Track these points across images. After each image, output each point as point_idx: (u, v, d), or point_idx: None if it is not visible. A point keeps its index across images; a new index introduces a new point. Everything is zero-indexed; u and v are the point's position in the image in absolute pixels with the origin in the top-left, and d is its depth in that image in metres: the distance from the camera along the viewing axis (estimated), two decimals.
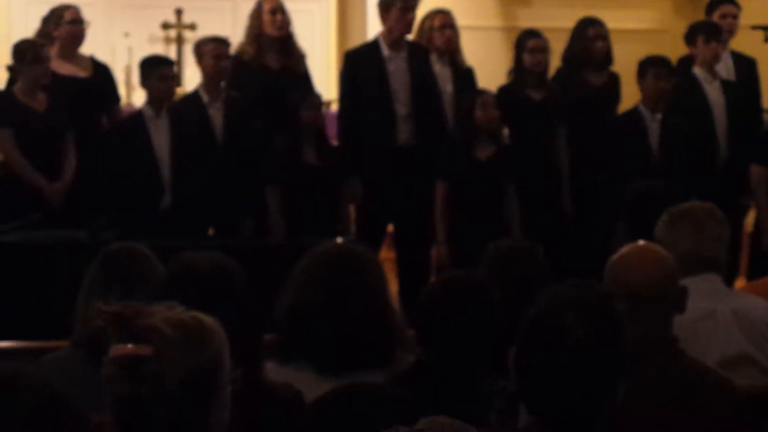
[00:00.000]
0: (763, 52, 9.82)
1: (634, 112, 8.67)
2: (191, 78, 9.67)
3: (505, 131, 8.63)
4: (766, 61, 9.68)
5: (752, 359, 4.51)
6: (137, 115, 8.34)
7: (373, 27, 10.12)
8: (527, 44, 8.81)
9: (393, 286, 7.68)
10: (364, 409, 2.57)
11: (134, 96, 10.77)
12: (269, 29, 8.63)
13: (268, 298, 4.12)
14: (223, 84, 8.44)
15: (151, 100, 8.21)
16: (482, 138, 8.25)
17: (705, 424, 3.71)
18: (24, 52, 8.04)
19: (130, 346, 2.55)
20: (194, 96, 8.52)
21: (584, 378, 2.82)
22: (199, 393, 2.60)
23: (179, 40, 12.12)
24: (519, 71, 8.84)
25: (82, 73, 8.52)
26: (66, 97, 8.17)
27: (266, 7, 8.70)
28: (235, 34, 9.15)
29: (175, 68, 8.81)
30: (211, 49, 8.38)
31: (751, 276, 8.19)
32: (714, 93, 8.76)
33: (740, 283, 7.96)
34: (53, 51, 8.33)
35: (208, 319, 2.67)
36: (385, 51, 8.55)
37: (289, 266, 4.19)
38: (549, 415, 2.83)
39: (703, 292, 4.48)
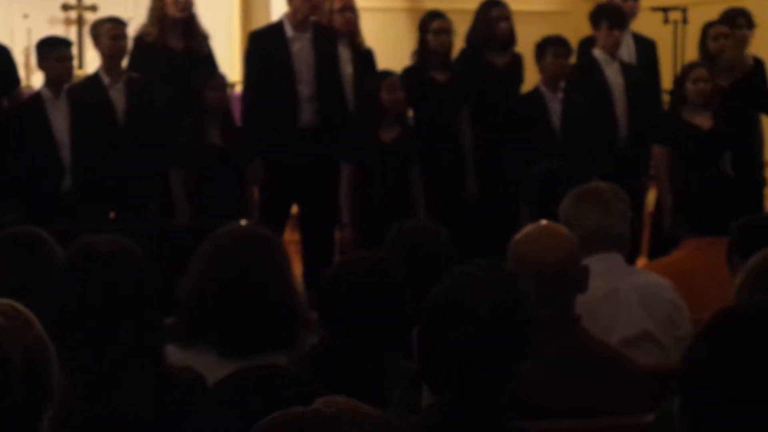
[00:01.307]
0: (663, 34, 9.93)
1: (535, 93, 8.76)
2: (93, 61, 9.57)
3: (410, 112, 8.62)
4: (665, 42, 9.78)
5: (653, 337, 4.55)
6: (35, 97, 8.28)
7: (277, 8, 10.08)
8: (431, 25, 8.81)
9: (297, 269, 7.66)
10: (265, 390, 2.54)
11: (33, 78, 10.64)
12: (172, 11, 8.56)
13: (173, 281, 4.09)
14: (124, 65, 8.39)
15: (49, 82, 8.14)
16: (387, 120, 8.24)
17: (606, 401, 3.74)
18: None
19: None
20: (94, 78, 8.46)
21: (487, 355, 2.82)
22: (40, 366, 2.59)
23: (80, 22, 12.05)
24: (423, 53, 8.84)
25: None
26: None
27: None
28: (137, 15, 9.12)
29: (75, 50, 8.73)
30: (108, 30, 8.32)
31: (652, 255, 8.27)
32: (613, 74, 8.84)
33: (641, 262, 8.03)
34: None
35: (13, 304, 2.66)
36: (290, 32, 8.53)
37: (193, 248, 4.17)
38: (451, 395, 2.82)
39: (605, 271, 4.51)
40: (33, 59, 8.91)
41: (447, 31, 8.79)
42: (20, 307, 2.64)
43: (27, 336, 2.59)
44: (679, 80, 8.67)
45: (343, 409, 1.46)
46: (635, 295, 4.60)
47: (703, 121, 8.47)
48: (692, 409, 2.22)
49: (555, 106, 8.64)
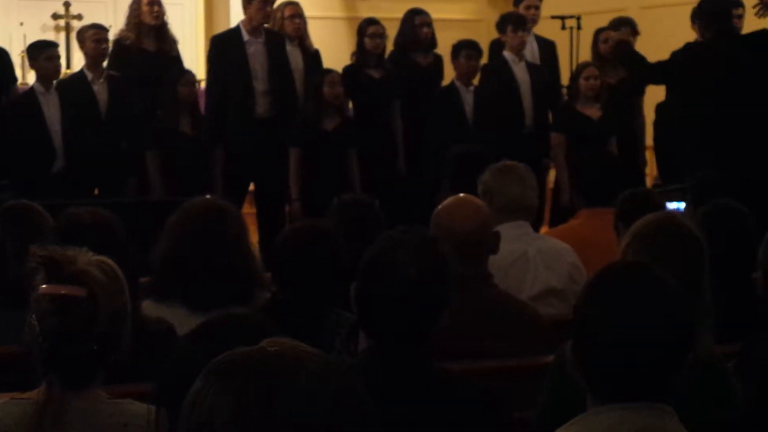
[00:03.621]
0: (561, 38, 9.95)
1: (451, 87, 8.78)
2: (79, 62, 9.50)
3: (349, 104, 8.61)
4: (562, 45, 9.80)
5: (555, 292, 4.56)
6: (29, 92, 8.25)
7: (236, 16, 10.03)
8: (367, 30, 8.80)
9: (254, 237, 7.63)
10: (231, 334, 2.48)
11: (29, 77, 10.54)
12: (147, 19, 8.59)
13: (148, 246, 4.06)
14: (104, 64, 8.37)
15: (41, 78, 8.13)
16: (329, 111, 8.22)
17: (514, 345, 3.73)
18: None
19: (64, 286, 2.51)
20: (80, 75, 8.46)
21: (414, 308, 2.80)
22: (118, 326, 2.59)
23: (67, 29, 12.08)
24: (361, 53, 8.82)
25: None
26: None
27: (144, 0, 8.62)
28: (116, 23, 9.09)
29: (63, 52, 8.70)
30: (92, 35, 8.35)
31: (552, 224, 8.30)
32: (520, 72, 8.85)
33: (543, 230, 8.05)
34: None
35: (114, 264, 2.66)
36: (246, 36, 8.48)
37: (165, 219, 4.14)
38: (383, 341, 2.81)
39: (515, 237, 4.52)
40: (27, 60, 8.83)
41: (381, 35, 8.78)
42: (119, 271, 2.63)
43: (119, 299, 2.59)
44: (574, 77, 8.70)
45: (286, 347, 1.44)
46: (541, 258, 4.61)
47: (593, 111, 8.52)
48: (580, 351, 2.22)
49: (468, 98, 8.68)
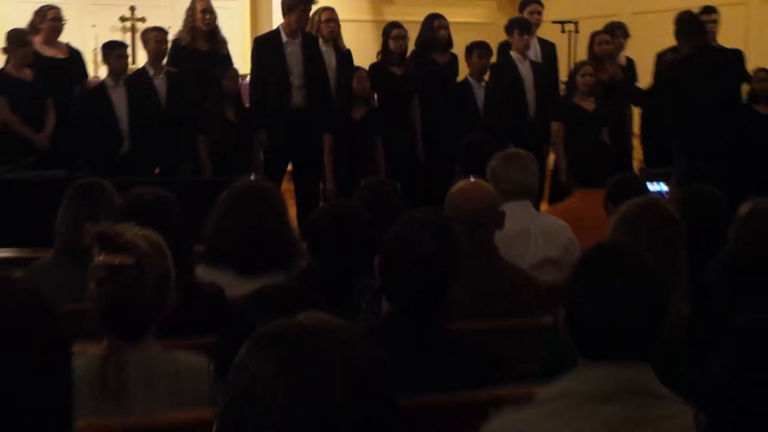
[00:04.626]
0: (560, 40, 9.90)
1: (465, 82, 8.76)
2: (142, 59, 9.51)
3: (375, 97, 8.60)
4: (562, 46, 9.76)
5: (553, 261, 4.56)
6: (101, 85, 8.27)
7: (278, 17, 10.03)
8: (391, 33, 8.76)
9: (292, 211, 7.64)
10: (281, 301, 2.48)
11: (101, 72, 10.57)
12: (200, 24, 8.59)
13: (201, 220, 4.09)
14: (164, 62, 8.36)
15: (111, 74, 8.14)
16: (358, 102, 8.20)
17: (516, 310, 3.75)
18: (13, 38, 7.95)
19: (116, 256, 2.55)
20: (142, 71, 8.43)
21: (429, 279, 2.82)
22: (163, 288, 2.62)
23: (133, 30, 12.13)
24: (385, 53, 8.79)
25: (60, 55, 8.41)
26: (48, 73, 8.05)
27: (198, 7, 8.64)
28: (175, 24, 9.05)
29: (128, 50, 8.67)
30: (154, 36, 8.32)
31: (551, 200, 8.30)
32: (525, 70, 8.81)
33: (544, 206, 8.04)
34: (39, 38, 8.25)
35: (158, 236, 2.70)
36: (285, 38, 8.46)
37: (215, 197, 4.18)
38: (403, 305, 2.84)
39: (519, 214, 4.50)
40: (100, 58, 8.85)
41: (403, 37, 8.74)
42: (162, 241, 2.66)
43: (162, 266, 2.63)
44: (572, 74, 8.66)
45: (320, 321, 1.46)
46: (541, 233, 4.61)
47: (588, 104, 8.48)
48: (570, 319, 2.24)
49: (480, 92, 8.67)
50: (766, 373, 1.27)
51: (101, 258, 2.56)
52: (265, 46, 8.57)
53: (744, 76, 8.18)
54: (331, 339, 1.42)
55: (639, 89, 8.85)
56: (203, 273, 3.79)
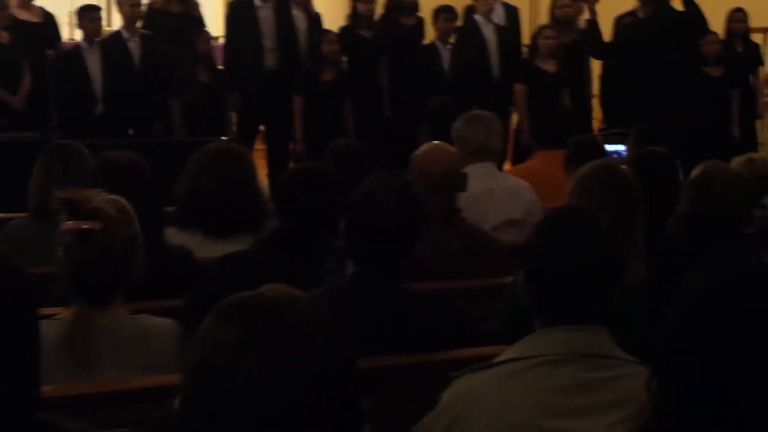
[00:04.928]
0: (523, 3, 9.83)
1: (431, 45, 8.71)
2: (117, 21, 9.42)
3: (344, 59, 8.54)
4: (524, 10, 9.69)
5: (515, 222, 4.53)
6: (76, 48, 8.21)
7: None
8: None
9: (263, 170, 7.62)
10: (249, 266, 2.42)
11: (76, 34, 10.45)
12: None
13: (173, 181, 4.04)
14: (138, 24, 8.26)
15: (86, 37, 8.08)
16: (327, 64, 8.15)
17: (478, 268, 3.73)
18: None
19: (84, 222, 2.50)
20: (117, 34, 8.39)
21: (394, 237, 2.80)
22: (130, 253, 2.59)
23: None
24: (354, 16, 8.74)
25: (35, 18, 8.29)
26: (23, 36, 7.93)
27: None
28: None
29: (103, 13, 8.58)
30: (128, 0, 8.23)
31: (514, 160, 8.29)
32: (489, 33, 8.77)
33: (507, 165, 8.03)
34: (15, 1, 8.11)
35: (125, 201, 2.65)
36: (258, 1, 8.39)
37: (188, 158, 4.13)
38: (367, 266, 2.81)
39: (482, 176, 4.47)
40: (75, 20, 8.75)
41: (371, 0, 8.68)
42: (129, 206, 2.62)
43: (130, 231, 2.59)
44: (534, 37, 8.63)
45: (281, 293, 1.44)
46: (504, 194, 4.57)
47: (550, 66, 8.45)
48: (529, 282, 2.22)
49: (446, 55, 8.62)
50: (701, 342, 1.26)
51: (69, 224, 2.52)
52: (239, 10, 8.53)
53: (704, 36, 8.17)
54: (292, 310, 1.41)
55: (603, 42, 8.74)
56: (173, 235, 3.75)
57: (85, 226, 2.51)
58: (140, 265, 2.62)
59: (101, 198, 2.58)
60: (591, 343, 2.11)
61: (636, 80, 7.84)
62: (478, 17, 8.78)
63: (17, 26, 7.96)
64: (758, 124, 9.14)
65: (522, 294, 2.22)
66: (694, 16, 7.86)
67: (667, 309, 1.50)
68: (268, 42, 8.33)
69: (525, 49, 9.02)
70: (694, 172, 3.19)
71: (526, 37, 9.24)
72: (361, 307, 2.72)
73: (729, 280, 1.36)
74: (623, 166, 3.44)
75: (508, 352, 2.15)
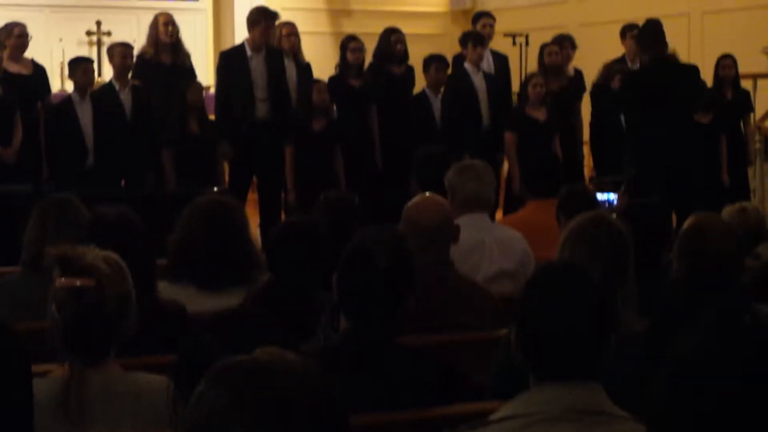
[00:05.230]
0: (512, 52, 9.91)
1: (422, 95, 8.75)
2: (108, 72, 9.46)
3: (334, 108, 8.58)
4: (513, 58, 9.77)
5: (507, 273, 4.52)
6: (67, 100, 8.21)
7: (241, 31, 10.02)
8: (349, 45, 8.76)
9: (255, 220, 7.62)
10: (240, 326, 2.40)
11: (67, 85, 10.51)
12: (163, 37, 8.52)
13: (164, 232, 4.05)
14: (129, 75, 8.31)
15: (77, 89, 8.09)
16: (317, 114, 8.18)
17: (470, 320, 3.73)
18: None
19: (77, 278, 2.51)
20: (109, 85, 8.41)
21: (387, 294, 2.80)
22: (124, 309, 2.58)
23: (99, 43, 12.15)
24: (343, 65, 8.78)
25: (25, 71, 8.27)
26: (14, 89, 7.93)
27: (161, 20, 8.60)
28: (140, 38, 9.04)
29: (94, 65, 8.62)
30: (119, 51, 8.32)
31: (506, 209, 8.32)
32: (479, 82, 8.83)
33: (498, 214, 8.05)
34: (5, 54, 8.12)
35: (118, 257, 2.65)
36: (249, 52, 8.44)
37: (180, 208, 4.14)
38: (359, 322, 2.81)
39: (475, 227, 4.47)
40: (66, 71, 8.79)
41: (360, 49, 8.74)
42: (122, 262, 2.62)
43: (123, 286, 2.58)
44: (523, 85, 8.69)
45: (275, 356, 1.45)
46: (496, 245, 4.56)
47: (539, 114, 8.51)
48: (520, 338, 2.22)
49: (437, 104, 8.67)
50: (695, 407, 1.26)
51: (62, 281, 2.52)
52: (230, 60, 8.57)
53: (700, 90, 8.21)
54: (285, 373, 1.43)
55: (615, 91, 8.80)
56: (165, 288, 3.74)
57: (79, 284, 2.50)
58: (133, 323, 2.61)
59: (94, 254, 2.58)
60: (586, 399, 2.11)
61: (631, 128, 7.87)
62: (467, 66, 8.84)
63: (8, 78, 7.97)
64: (750, 170, 9.19)
65: (514, 352, 2.22)
66: (691, 67, 7.95)
67: (661, 365, 1.51)
68: (260, 92, 8.37)
69: (515, 97, 9.08)
70: (686, 225, 3.20)
71: (515, 85, 9.30)
72: (355, 364, 2.72)
73: (722, 343, 1.37)
74: (614, 216, 3.45)
75: (504, 410, 2.14)
